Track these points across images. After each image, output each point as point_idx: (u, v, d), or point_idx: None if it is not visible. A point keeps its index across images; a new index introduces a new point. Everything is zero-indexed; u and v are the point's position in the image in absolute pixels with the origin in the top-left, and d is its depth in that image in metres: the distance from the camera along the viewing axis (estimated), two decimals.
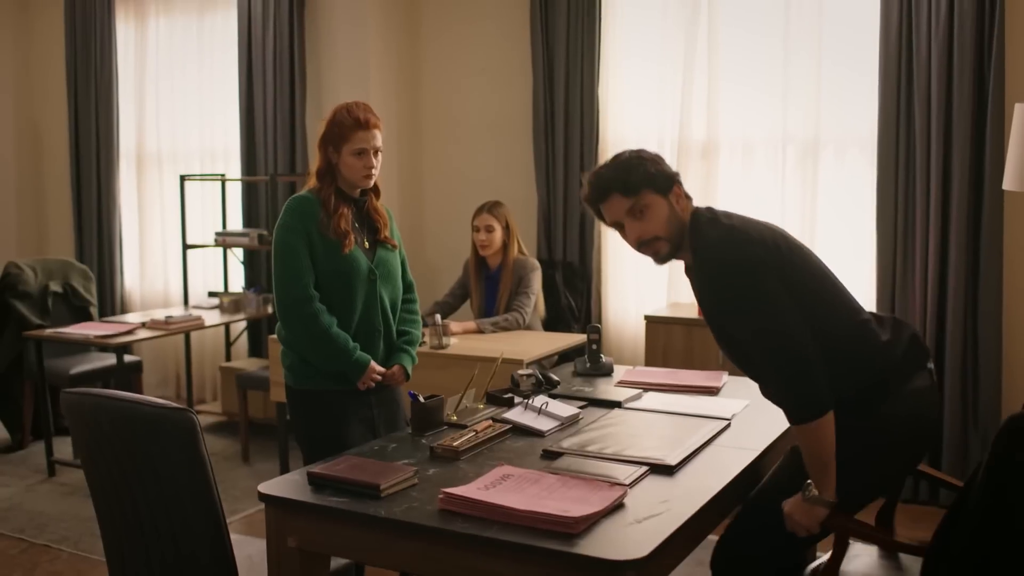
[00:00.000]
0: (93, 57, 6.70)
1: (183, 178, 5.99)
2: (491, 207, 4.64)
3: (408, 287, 3.36)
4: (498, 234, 4.61)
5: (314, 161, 3.20)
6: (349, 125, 3.11)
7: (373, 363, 3.10)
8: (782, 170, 4.80)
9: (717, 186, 4.95)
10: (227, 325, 5.92)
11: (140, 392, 5.51)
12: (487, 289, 4.72)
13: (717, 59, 4.91)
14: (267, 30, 5.94)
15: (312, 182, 3.17)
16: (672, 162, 4.98)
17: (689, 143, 4.99)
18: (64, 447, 5.37)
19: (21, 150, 7.23)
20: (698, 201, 4.90)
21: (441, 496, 2.22)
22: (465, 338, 4.32)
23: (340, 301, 3.08)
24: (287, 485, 2.39)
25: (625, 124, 5.18)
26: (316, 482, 2.37)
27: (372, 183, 3.19)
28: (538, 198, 5.31)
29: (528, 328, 4.57)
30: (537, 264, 4.69)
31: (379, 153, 3.17)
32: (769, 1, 4.77)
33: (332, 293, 3.07)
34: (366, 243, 3.17)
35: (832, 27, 4.65)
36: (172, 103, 6.58)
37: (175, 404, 2.32)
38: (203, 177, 6.13)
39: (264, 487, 2.37)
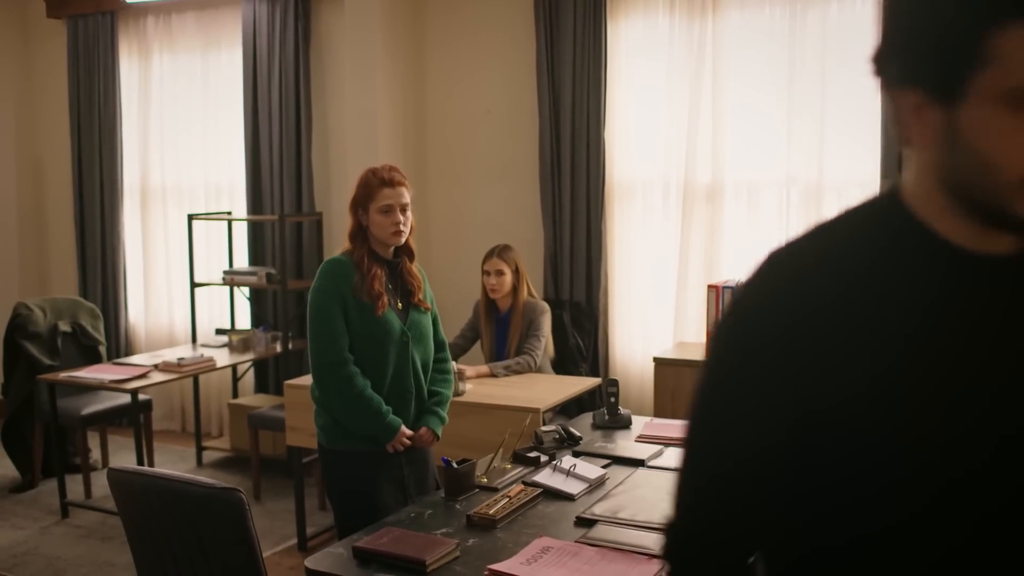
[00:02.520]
0: (96, 93, 6.75)
1: (191, 217, 6.04)
2: (500, 251, 4.72)
3: (440, 346, 3.43)
4: (508, 278, 4.69)
5: (346, 224, 3.28)
6: (375, 184, 3.21)
7: (403, 427, 3.18)
8: (786, 213, 4.91)
9: (722, 229, 5.04)
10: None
11: (150, 429, 5.58)
12: (497, 331, 4.79)
13: (722, 103, 5.00)
14: (272, 69, 6.01)
15: (346, 245, 3.26)
16: (677, 205, 5.13)
17: (694, 186, 5.08)
18: (76, 487, 5.42)
19: (23, 186, 7.26)
20: (703, 242, 5.06)
21: (486, 573, 2.30)
22: (479, 383, 4.39)
23: (373, 363, 3.16)
24: (333, 560, 2.46)
25: (631, 166, 5.27)
26: (361, 556, 2.44)
27: (403, 240, 3.26)
28: (544, 239, 5.39)
29: (539, 370, 4.65)
30: (547, 307, 4.77)
31: (407, 211, 3.25)
32: (773, 45, 4.87)
33: (365, 355, 3.15)
34: (399, 304, 3.25)
35: (835, 71, 4.74)
36: (176, 139, 6.63)
37: (224, 484, 2.39)
38: (210, 216, 6.18)
39: (311, 562, 2.44)
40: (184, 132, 6.59)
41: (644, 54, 5.20)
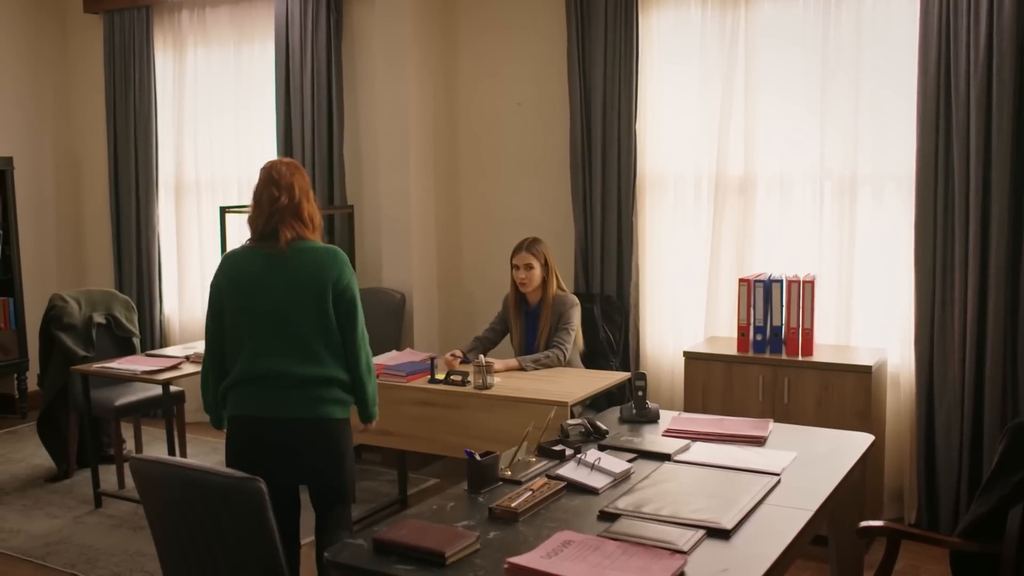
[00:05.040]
0: (132, 87, 6.81)
1: (223, 210, 6.06)
2: (529, 245, 4.70)
3: None
4: (537, 272, 4.67)
5: (317, 215, 3.45)
6: None
7: None
8: (819, 206, 4.83)
9: (754, 222, 4.99)
10: None
11: (183, 421, 5.61)
12: (527, 325, 4.77)
13: (754, 94, 4.95)
14: (305, 62, 6.03)
15: (318, 233, 3.43)
16: (709, 198, 5.08)
17: (726, 178, 5.03)
18: (109, 477, 5.47)
19: (61, 180, 7.36)
20: (735, 236, 5.00)
21: (506, 567, 2.28)
22: (508, 377, 4.37)
23: None
24: (353, 551, 2.45)
25: (662, 159, 5.22)
26: (380, 548, 2.42)
27: None
28: (575, 232, 5.36)
29: (568, 364, 4.62)
30: (576, 300, 4.74)
31: None
32: (807, 37, 4.80)
33: None
34: None
35: (870, 63, 4.67)
36: (210, 133, 6.68)
37: (243, 474, 2.39)
38: (243, 209, 6.20)
39: (330, 553, 2.44)
40: (217, 125, 6.64)
41: (676, 46, 5.15)
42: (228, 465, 3.42)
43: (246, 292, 3.30)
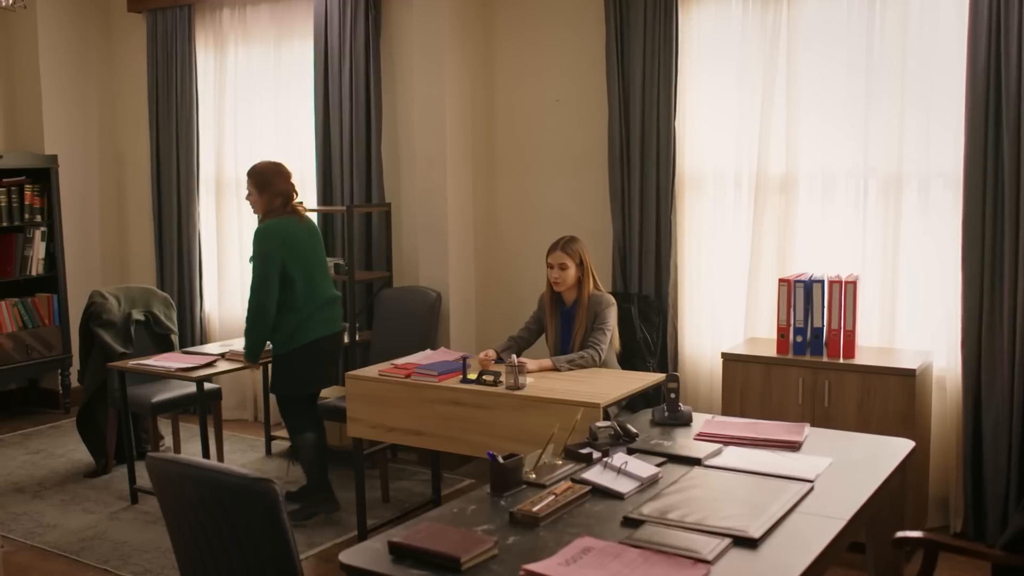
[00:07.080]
0: (174, 85, 6.84)
1: None
2: (564, 244, 4.62)
3: None
4: (571, 271, 4.58)
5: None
6: None
7: None
8: (863, 205, 4.70)
9: (796, 221, 4.87)
10: None
11: (219, 418, 5.63)
12: (563, 324, 4.70)
13: (796, 90, 4.83)
14: (343, 60, 6.00)
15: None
16: (749, 196, 4.97)
17: (767, 176, 4.92)
18: (146, 474, 5.48)
19: (104, 178, 7.43)
20: (776, 235, 4.89)
21: (522, 574, 2.21)
22: (541, 377, 4.30)
23: None
24: (368, 554, 2.40)
25: (702, 156, 5.12)
26: (397, 551, 2.37)
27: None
28: (613, 230, 5.27)
29: (604, 364, 4.54)
30: (613, 300, 4.66)
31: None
32: (850, 31, 4.68)
33: None
34: None
35: (916, 57, 4.53)
36: (250, 131, 6.69)
37: (257, 475, 2.35)
38: None
39: (345, 556, 2.39)
40: (257, 124, 6.64)
41: (716, 43, 5.05)
42: (306, 383, 4.87)
43: (300, 248, 4.76)
